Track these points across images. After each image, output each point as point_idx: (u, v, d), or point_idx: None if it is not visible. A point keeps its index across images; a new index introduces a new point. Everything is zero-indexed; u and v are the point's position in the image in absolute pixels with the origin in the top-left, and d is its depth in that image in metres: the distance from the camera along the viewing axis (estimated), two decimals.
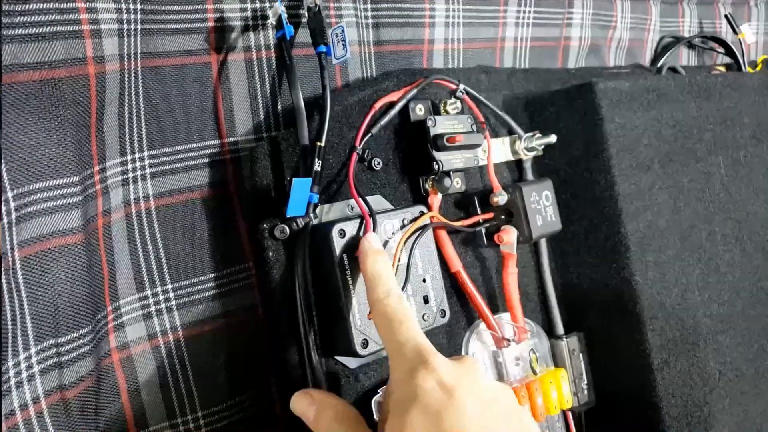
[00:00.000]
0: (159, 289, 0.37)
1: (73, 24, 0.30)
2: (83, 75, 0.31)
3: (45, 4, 0.29)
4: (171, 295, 0.37)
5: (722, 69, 0.71)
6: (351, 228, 0.36)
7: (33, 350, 0.30)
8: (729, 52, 0.71)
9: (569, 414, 0.45)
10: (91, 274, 0.33)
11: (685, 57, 0.71)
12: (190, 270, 0.38)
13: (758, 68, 0.74)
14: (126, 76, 0.34)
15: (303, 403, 0.32)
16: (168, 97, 0.36)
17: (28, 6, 0.28)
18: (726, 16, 0.71)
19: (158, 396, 0.36)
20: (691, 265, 0.50)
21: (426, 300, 0.38)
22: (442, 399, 0.27)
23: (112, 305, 0.35)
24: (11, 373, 0.29)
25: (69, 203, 0.31)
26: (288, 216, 0.35)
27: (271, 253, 0.36)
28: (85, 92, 0.31)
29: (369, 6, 0.44)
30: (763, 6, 0.80)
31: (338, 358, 0.37)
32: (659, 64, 0.65)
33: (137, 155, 0.36)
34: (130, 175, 0.35)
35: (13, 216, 0.29)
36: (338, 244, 0.35)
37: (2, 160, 0.29)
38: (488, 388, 0.29)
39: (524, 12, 0.53)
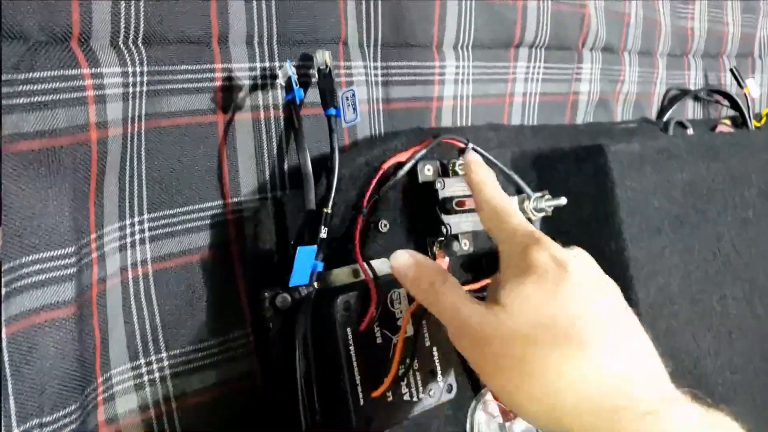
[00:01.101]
0: (153, 357, 0.35)
1: (78, 90, 0.29)
2: (85, 142, 0.30)
3: (50, 72, 0.28)
4: (165, 363, 0.35)
5: (728, 122, 0.71)
6: (356, 299, 0.34)
7: None
8: (734, 105, 0.71)
9: None
10: (83, 346, 0.31)
11: (690, 109, 0.71)
12: (186, 337, 0.36)
13: (763, 121, 0.74)
14: (129, 139, 0.33)
15: (405, 261, 0.32)
16: (171, 157, 0.35)
17: (32, 75, 0.27)
18: (731, 69, 0.71)
19: None
20: (703, 331, 0.48)
21: (433, 374, 0.37)
22: (556, 272, 0.28)
23: (102, 376, 0.33)
24: None
25: (63, 275, 0.29)
26: (291, 285, 0.34)
27: (271, 324, 0.34)
28: (86, 159, 0.30)
29: (379, 64, 0.43)
30: (767, 59, 0.81)
31: None
32: (665, 118, 0.65)
33: (137, 219, 0.34)
34: (128, 240, 0.34)
35: (2, 291, 0.27)
36: (342, 317, 0.34)
37: None
38: (598, 273, 0.30)
39: (534, 68, 0.53)
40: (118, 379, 0.34)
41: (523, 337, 0.27)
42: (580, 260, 0.30)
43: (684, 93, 0.68)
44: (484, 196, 0.33)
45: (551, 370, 0.26)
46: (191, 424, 0.36)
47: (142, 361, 0.35)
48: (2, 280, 0.27)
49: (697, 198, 0.51)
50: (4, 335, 0.28)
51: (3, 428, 0.28)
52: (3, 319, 0.28)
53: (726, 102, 0.71)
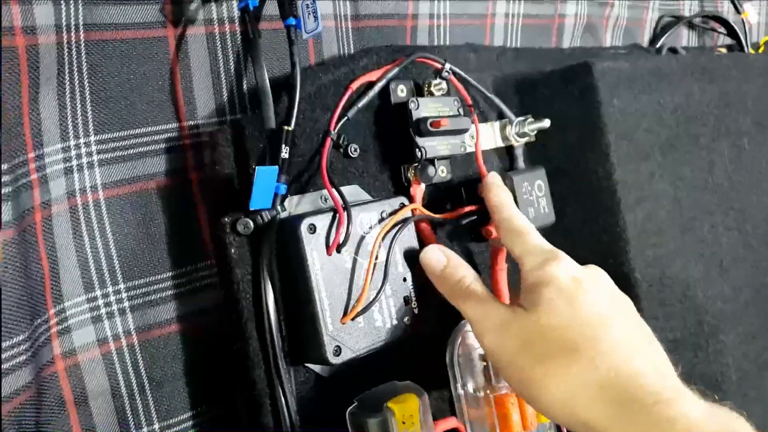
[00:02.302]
0: (110, 289, 0.33)
1: None
2: (11, 47, 0.27)
3: None
4: (124, 295, 0.33)
5: (724, 50, 0.68)
6: (322, 223, 0.32)
7: None
8: (731, 32, 0.67)
9: None
10: (28, 273, 0.29)
11: (685, 37, 0.67)
12: (145, 268, 0.34)
13: (761, 50, 0.71)
14: (66, 50, 0.30)
15: (437, 257, 0.34)
16: (118, 75, 0.32)
17: None
18: None
19: (110, 407, 0.33)
20: (693, 259, 0.47)
21: (407, 301, 0.35)
22: (573, 286, 0.30)
23: (55, 308, 0.31)
24: None
25: None
26: (252, 209, 0.31)
27: (233, 250, 0.32)
28: (13, 67, 0.27)
29: None
30: None
31: (308, 365, 0.34)
32: (658, 45, 0.62)
33: (82, 140, 0.32)
34: (74, 162, 0.32)
35: None
36: (308, 240, 0.32)
37: None
38: (612, 288, 0.32)
39: None
40: (74, 311, 0.32)
41: (542, 339, 0.29)
42: (595, 276, 0.32)
43: (678, 19, 0.64)
44: (503, 215, 0.36)
45: (567, 370, 0.29)
46: (154, 357, 0.34)
47: (99, 293, 0.33)
48: None
49: (689, 122, 0.49)
50: None
51: None
52: None
53: (722, 29, 0.68)
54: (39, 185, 0.30)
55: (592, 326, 0.29)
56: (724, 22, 0.67)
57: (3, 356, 0.28)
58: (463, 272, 0.33)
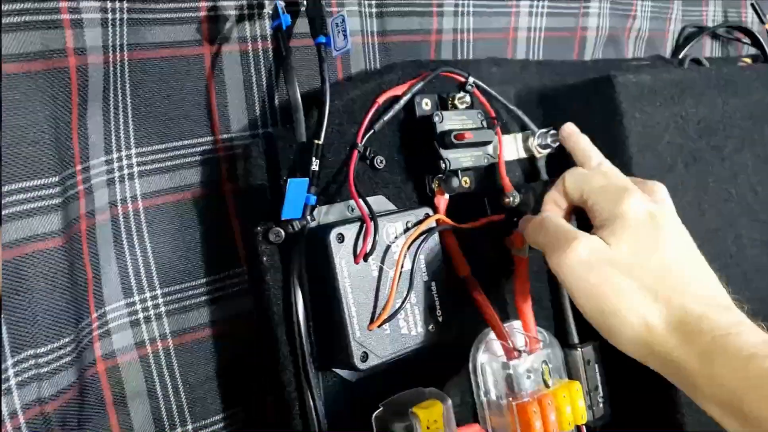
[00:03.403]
0: (147, 294, 0.35)
1: (51, 13, 0.28)
2: (63, 68, 0.29)
3: None
4: (160, 300, 0.35)
5: (748, 61, 0.67)
6: (350, 232, 0.33)
7: (10, 362, 0.28)
8: (755, 42, 0.67)
9: (584, 429, 0.43)
10: (74, 279, 0.31)
11: (708, 48, 0.67)
12: (180, 274, 0.36)
13: None
14: (111, 69, 0.32)
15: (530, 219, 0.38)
16: (157, 91, 0.34)
17: None
18: (752, 4, 0.67)
19: (146, 407, 0.35)
20: (716, 271, 0.46)
21: (431, 309, 0.36)
22: (650, 224, 0.33)
23: (97, 312, 0.33)
24: None
25: (47, 205, 0.29)
26: (283, 218, 0.33)
27: (265, 258, 0.33)
28: (65, 86, 0.29)
29: None
30: None
31: (336, 370, 0.35)
32: (681, 56, 0.62)
33: (124, 153, 0.34)
34: (117, 174, 0.33)
35: None
36: (336, 249, 0.33)
37: None
38: (679, 223, 0.36)
39: (538, 1, 0.50)
40: (113, 315, 0.34)
41: (621, 275, 0.32)
42: (667, 212, 0.35)
43: (701, 30, 0.64)
44: (592, 165, 0.40)
45: (645, 307, 0.31)
46: (189, 361, 0.36)
47: (137, 298, 0.34)
48: None
49: (712, 134, 0.49)
50: None
51: None
52: None
53: (747, 39, 0.68)
54: (85, 196, 0.32)
55: (667, 267, 0.33)
56: (748, 32, 0.67)
57: (51, 357, 0.30)
58: (549, 214, 0.37)
